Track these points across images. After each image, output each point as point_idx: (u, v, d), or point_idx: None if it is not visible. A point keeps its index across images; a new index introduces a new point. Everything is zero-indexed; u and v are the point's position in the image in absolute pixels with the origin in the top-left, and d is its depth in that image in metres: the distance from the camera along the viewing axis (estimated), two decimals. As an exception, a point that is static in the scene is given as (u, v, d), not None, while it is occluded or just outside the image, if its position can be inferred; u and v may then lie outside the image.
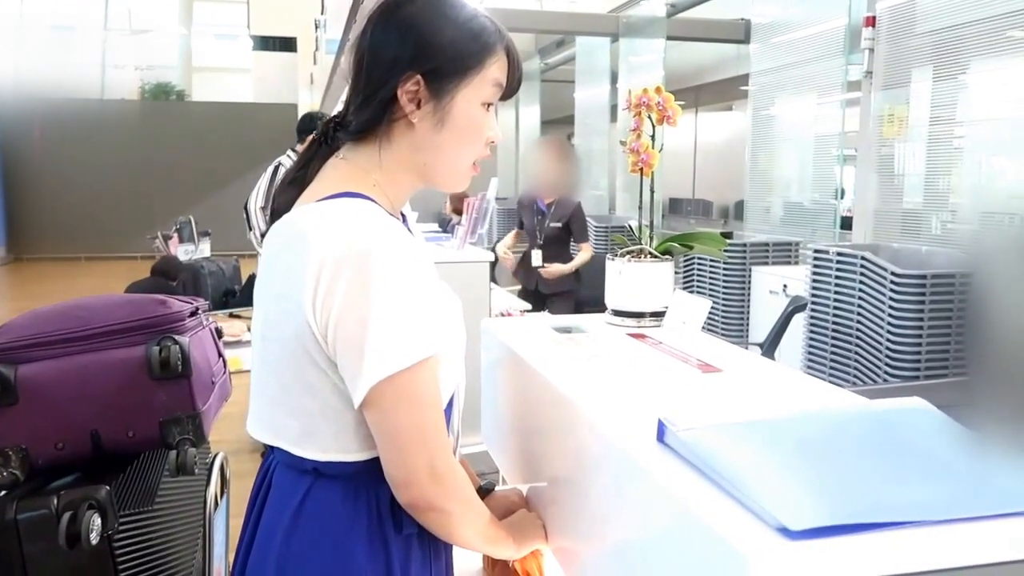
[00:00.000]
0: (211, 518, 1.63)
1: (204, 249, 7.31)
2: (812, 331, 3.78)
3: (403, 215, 1.13)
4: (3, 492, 1.31)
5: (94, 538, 1.26)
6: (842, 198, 5.45)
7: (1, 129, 14.62)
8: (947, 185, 4.22)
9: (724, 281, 4.97)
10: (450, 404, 1.09)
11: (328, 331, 0.94)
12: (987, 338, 0.82)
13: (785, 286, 4.53)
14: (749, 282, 4.91)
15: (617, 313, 1.49)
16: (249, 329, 1.08)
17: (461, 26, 1.04)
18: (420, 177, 1.09)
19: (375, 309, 0.92)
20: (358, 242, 0.94)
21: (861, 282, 3.44)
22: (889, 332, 3.23)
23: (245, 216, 4.36)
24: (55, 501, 1.27)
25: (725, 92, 9.89)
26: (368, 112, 1.04)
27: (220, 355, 1.65)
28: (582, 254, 4.66)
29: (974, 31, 3.85)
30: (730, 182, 9.29)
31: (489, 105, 1.08)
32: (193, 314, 1.55)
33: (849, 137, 5.10)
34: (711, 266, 5.08)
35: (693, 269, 5.26)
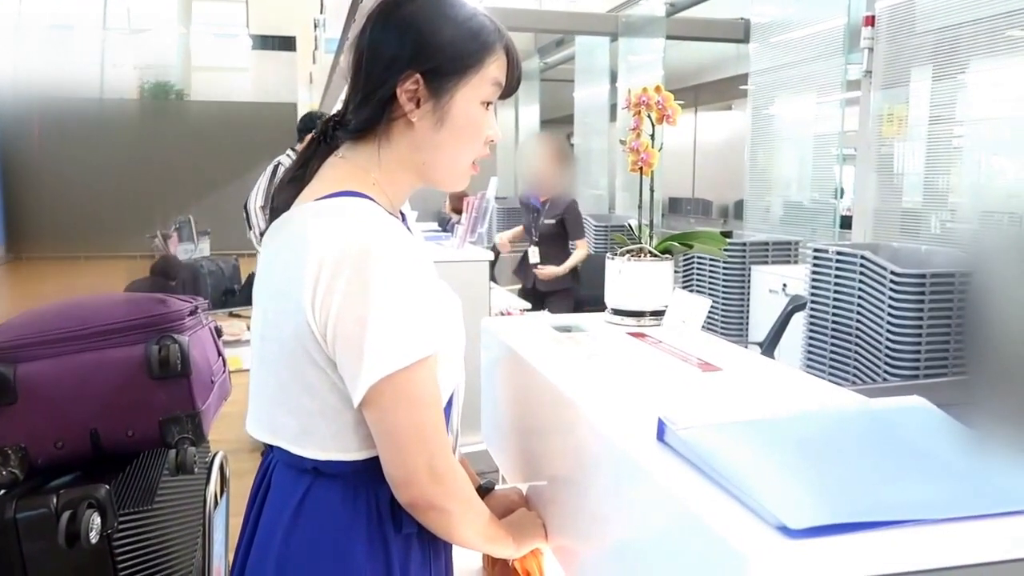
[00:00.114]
0: (211, 517, 1.63)
1: (203, 248, 7.31)
2: (812, 330, 3.78)
3: (402, 214, 1.13)
4: (2, 491, 1.31)
5: (93, 537, 1.26)
6: (841, 197, 5.44)
7: (0, 128, 14.63)
8: (946, 184, 4.22)
9: (724, 280, 4.96)
10: (449, 403, 1.09)
11: (327, 330, 0.94)
12: (986, 337, 0.82)
13: (785, 285, 4.53)
14: (749, 281, 4.91)
15: (617, 312, 1.49)
16: (249, 328, 1.08)
17: (460, 25, 1.04)
18: (419, 176, 1.09)
19: (374, 308, 0.92)
20: (357, 241, 0.94)
21: (861, 281, 3.43)
22: (888, 331, 3.23)
23: (245, 215, 4.36)
24: (54, 500, 1.27)
25: (724, 91, 9.89)
26: (367, 111, 1.04)
27: (220, 354, 1.65)
28: (577, 252, 4.66)
29: (973, 30, 3.85)
30: (730, 181, 9.29)
31: (488, 104, 1.08)
32: (192, 313, 1.55)
33: (848, 136, 5.10)
34: (711, 265, 5.08)
35: (693, 268, 5.26)
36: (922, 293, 3.15)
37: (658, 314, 1.45)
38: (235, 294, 6.43)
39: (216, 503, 1.67)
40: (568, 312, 4.45)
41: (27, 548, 1.26)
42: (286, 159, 4.16)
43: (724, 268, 4.96)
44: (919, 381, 3.12)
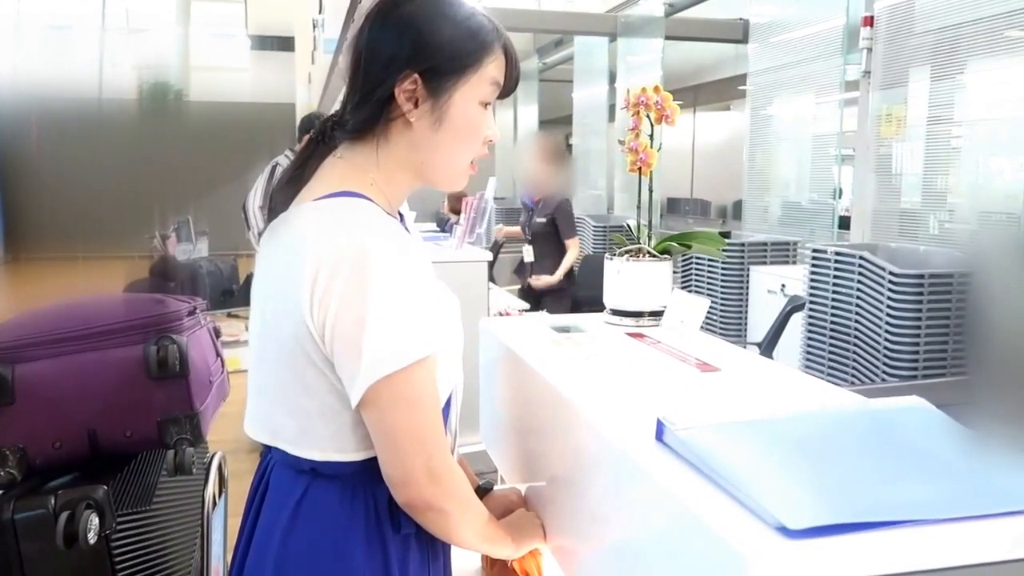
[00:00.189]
0: (209, 518, 1.63)
1: (202, 248, 7.30)
2: (810, 330, 3.78)
3: (401, 214, 1.13)
4: (0, 492, 1.31)
5: (92, 538, 1.26)
6: (840, 198, 5.45)
7: (-2, 129, 14.62)
8: (945, 185, 4.22)
9: (722, 280, 4.97)
10: (448, 404, 1.08)
11: (325, 331, 0.94)
12: (985, 337, 0.82)
13: (783, 286, 4.53)
14: (747, 282, 4.91)
15: (615, 312, 1.49)
16: (247, 328, 1.08)
17: (459, 25, 1.04)
18: (418, 176, 1.09)
19: (372, 309, 0.92)
20: (355, 242, 0.93)
21: (859, 281, 3.44)
22: (887, 331, 3.24)
23: (243, 216, 4.35)
24: (53, 501, 1.27)
25: (723, 92, 9.89)
26: (365, 111, 1.04)
27: (218, 354, 1.65)
28: (569, 253, 4.67)
29: (972, 31, 3.85)
30: (728, 182, 9.29)
31: (487, 104, 1.07)
32: (191, 313, 1.55)
33: (847, 137, 5.11)
34: (709, 265, 5.08)
35: (691, 268, 5.26)
36: (920, 293, 3.15)
37: (657, 314, 1.45)
38: (234, 294, 6.43)
39: (214, 504, 1.67)
40: (564, 312, 4.46)
41: (25, 549, 1.26)
42: (284, 160, 4.15)
43: (723, 268, 4.96)
44: (917, 381, 3.12)
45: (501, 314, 3.53)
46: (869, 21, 4.39)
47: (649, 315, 1.46)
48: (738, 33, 6.84)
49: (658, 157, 1.48)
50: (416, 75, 1.01)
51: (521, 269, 4.89)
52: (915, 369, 3.18)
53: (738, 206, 7.39)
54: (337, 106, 1.10)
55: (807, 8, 5.33)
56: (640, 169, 1.49)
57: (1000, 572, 0.63)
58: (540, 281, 4.61)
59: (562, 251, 4.70)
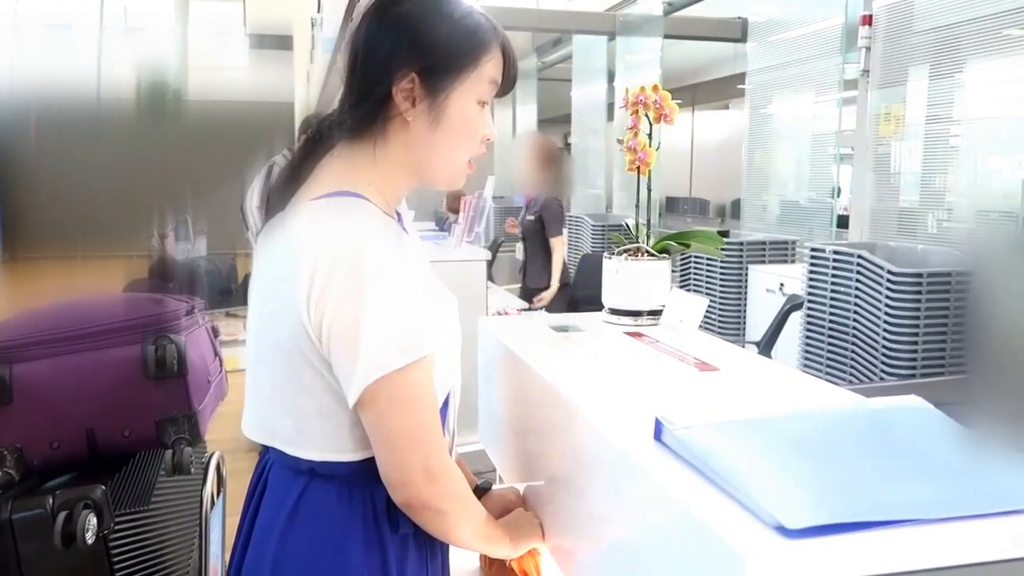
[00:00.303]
0: (207, 517, 1.63)
1: (200, 247, 7.28)
2: (809, 329, 3.78)
3: (399, 214, 1.12)
4: (-2, 492, 1.30)
5: (90, 538, 1.25)
6: (839, 197, 5.45)
7: (-5, 128, 14.61)
8: (943, 184, 4.23)
9: (721, 280, 4.97)
10: (446, 403, 1.08)
11: (322, 331, 0.94)
12: (984, 336, 0.82)
13: (782, 284, 4.53)
14: (746, 281, 4.91)
15: (614, 312, 1.48)
16: (246, 328, 1.08)
17: (456, 23, 1.03)
18: (415, 175, 1.09)
19: (369, 309, 0.92)
20: (352, 242, 0.93)
21: (857, 280, 3.44)
22: (885, 330, 3.24)
23: (242, 216, 4.33)
24: (50, 501, 1.26)
25: (722, 91, 9.89)
26: (363, 110, 1.03)
27: (216, 354, 1.65)
28: (555, 255, 4.67)
29: (971, 30, 3.85)
30: (727, 181, 9.29)
31: (485, 103, 1.07)
32: (189, 313, 1.55)
33: (846, 136, 5.11)
34: (708, 265, 5.08)
35: (690, 268, 5.26)
36: (919, 292, 3.15)
37: (655, 314, 1.45)
38: (232, 293, 6.41)
39: (213, 503, 1.66)
40: (562, 310, 4.49)
41: (23, 549, 1.26)
42: (281, 159, 4.14)
43: (721, 267, 4.96)
44: (916, 380, 3.13)
45: (500, 313, 3.53)
46: (868, 20, 4.39)
47: (648, 314, 1.46)
48: (737, 32, 6.84)
49: (657, 156, 1.48)
50: (413, 74, 1.01)
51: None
52: (913, 368, 3.18)
53: (737, 205, 7.40)
54: (335, 105, 1.10)
55: (806, 7, 5.33)
56: (639, 168, 1.49)
57: (998, 572, 0.63)
58: (542, 300, 4.63)
59: (550, 250, 4.73)
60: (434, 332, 1.00)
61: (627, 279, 1.47)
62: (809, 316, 3.77)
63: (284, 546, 1.00)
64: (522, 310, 3.96)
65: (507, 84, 1.10)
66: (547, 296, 4.63)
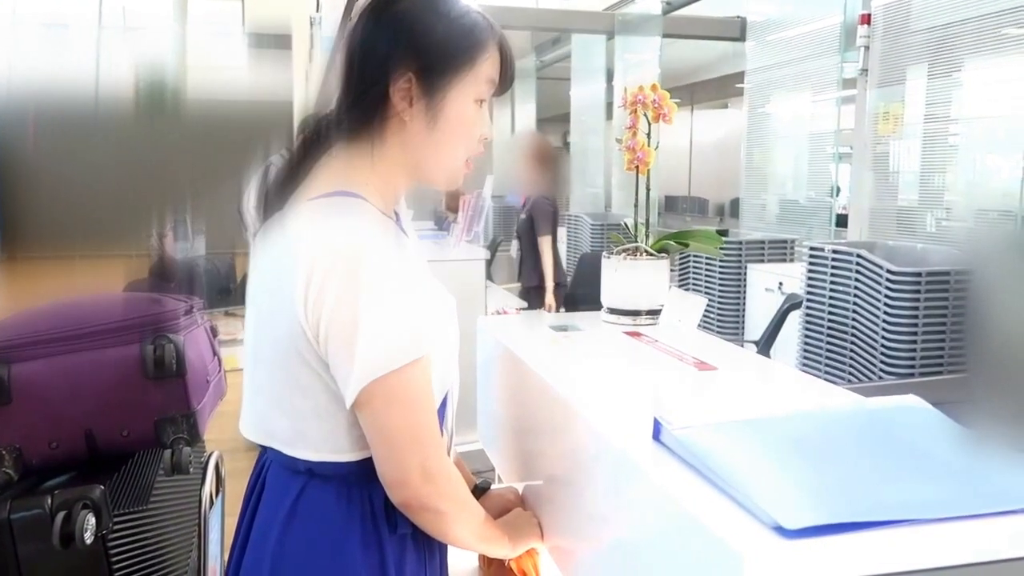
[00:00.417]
0: (206, 517, 1.63)
1: (199, 247, 7.27)
2: (808, 328, 3.78)
3: (397, 214, 1.12)
4: (-3, 492, 1.30)
5: (88, 538, 1.25)
6: (837, 196, 5.45)
7: (-6, 127, 14.60)
8: (942, 182, 4.23)
9: (720, 279, 4.96)
10: (444, 404, 1.08)
11: (319, 331, 0.94)
12: (982, 335, 0.82)
13: (781, 284, 4.53)
14: (745, 280, 4.91)
15: (613, 311, 1.49)
16: (245, 327, 1.07)
17: (453, 23, 1.03)
18: (413, 175, 1.08)
19: (365, 310, 0.92)
20: (349, 242, 0.93)
21: (856, 279, 3.44)
22: (884, 329, 3.24)
23: (240, 217, 4.33)
24: (49, 501, 1.26)
25: (721, 90, 9.90)
26: (360, 110, 1.03)
27: (215, 353, 1.65)
28: (543, 254, 4.65)
29: (969, 29, 3.85)
30: (726, 180, 9.30)
31: (482, 102, 1.07)
32: (188, 313, 1.55)
33: (844, 135, 5.11)
34: (707, 264, 5.08)
35: (689, 267, 5.26)
36: (918, 291, 3.15)
37: (654, 313, 1.45)
38: (231, 293, 6.40)
39: (212, 503, 1.66)
40: (558, 306, 4.51)
41: (22, 549, 1.26)
42: (279, 159, 4.14)
43: (720, 267, 4.96)
44: (915, 379, 3.13)
45: (498, 312, 3.53)
46: (866, 19, 4.39)
47: (646, 314, 1.46)
48: (735, 31, 6.84)
49: (655, 155, 1.48)
50: (410, 74, 1.01)
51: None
52: (912, 367, 3.18)
53: (736, 204, 7.40)
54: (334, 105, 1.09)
55: (804, 6, 5.33)
56: (637, 168, 1.49)
57: (997, 571, 0.63)
58: (550, 307, 4.61)
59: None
60: (432, 332, 1.00)
61: (626, 278, 1.47)
62: (808, 315, 3.77)
63: (282, 546, 1.00)
64: (520, 309, 3.96)
65: (505, 83, 1.09)
66: (549, 299, 4.62)
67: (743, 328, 4.91)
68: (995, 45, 3.77)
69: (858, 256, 3.43)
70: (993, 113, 3.92)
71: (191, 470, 1.48)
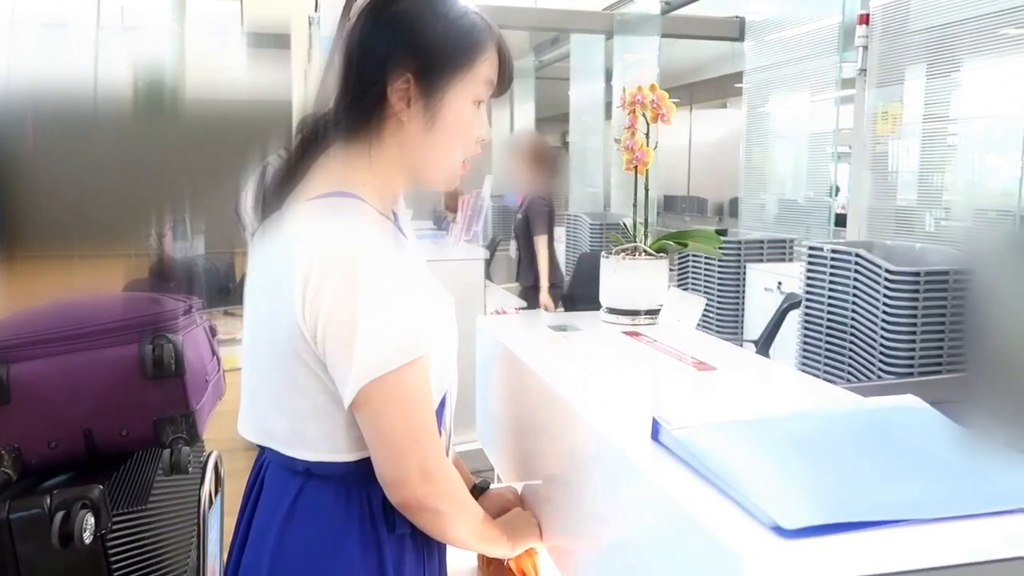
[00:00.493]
0: (205, 517, 1.63)
1: (198, 246, 7.27)
2: (807, 328, 3.79)
3: (395, 214, 1.12)
4: (-4, 492, 1.30)
5: (87, 538, 1.25)
6: (836, 195, 5.45)
7: (-8, 127, 14.59)
8: (941, 182, 4.23)
9: (719, 278, 4.97)
10: (443, 404, 1.08)
11: (317, 332, 0.94)
12: (981, 334, 0.82)
13: (780, 283, 4.53)
14: (744, 279, 4.91)
15: (612, 311, 1.49)
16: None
17: (451, 24, 1.03)
18: (410, 175, 1.08)
19: (363, 310, 0.92)
20: (346, 242, 0.93)
21: (855, 279, 3.44)
22: (883, 329, 3.24)
23: (238, 218, 4.33)
24: (48, 501, 1.26)
25: (720, 89, 9.91)
26: (358, 111, 1.03)
27: (214, 353, 1.65)
28: (539, 254, 4.65)
29: (967, 29, 3.85)
30: (725, 179, 9.31)
31: (480, 103, 1.07)
32: (187, 312, 1.55)
33: (843, 134, 5.11)
34: (706, 264, 5.08)
35: (688, 267, 5.26)
36: (916, 291, 3.16)
37: (653, 313, 1.45)
38: (230, 292, 6.40)
39: (211, 503, 1.66)
40: (556, 303, 4.52)
41: (21, 549, 1.26)
42: (276, 159, 4.14)
43: (719, 266, 4.96)
44: (913, 379, 3.13)
45: (498, 312, 3.53)
46: (865, 19, 4.40)
47: (645, 314, 1.46)
48: (734, 31, 6.85)
49: (654, 156, 1.48)
50: (409, 75, 1.00)
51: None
52: (911, 366, 3.18)
53: (734, 204, 7.40)
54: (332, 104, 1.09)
55: (803, 6, 5.34)
56: (636, 168, 1.49)
57: (995, 571, 0.63)
58: (548, 307, 4.61)
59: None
60: (430, 332, 1.00)
61: (625, 278, 1.47)
62: (807, 315, 3.78)
63: (281, 547, 1.00)
64: (520, 309, 3.96)
65: (503, 84, 1.09)
66: (543, 299, 4.62)
67: (742, 328, 4.92)
68: (993, 45, 3.77)
69: (857, 256, 3.44)
70: (992, 113, 3.93)
71: (190, 470, 1.47)
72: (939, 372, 3.16)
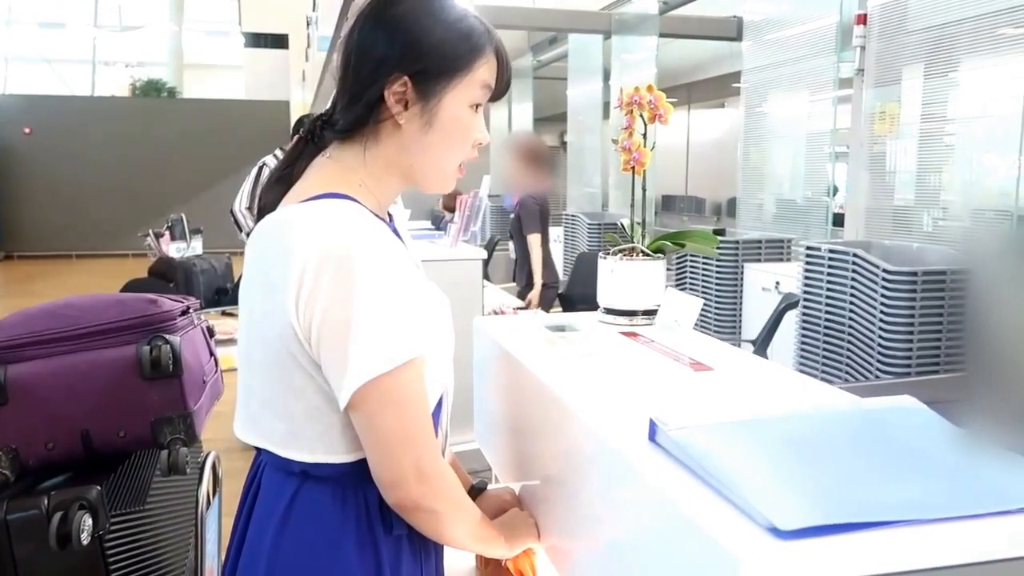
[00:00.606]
0: (203, 517, 1.63)
1: (196, 247, 7.28)
2: (804, 328, 3.79)
3: (390, 215, 1.12)
4: (-7, 493, 1.30)
5: (85, 538, 1.25)
6: (834, 195, 5.46)
7: (-7, 127, 14.56)
8: (938, 182, 4.23)
9: (717, 279, 4.97)
10: (439, 405, 1.08)
11: (311, 333, 0.94)
12: (979, 333, 0.82)
13: (777, 283, 4.54)
14: (742, 279, 4.92)
15: (609, 311, 1.49)
16: (239, 327, 1.07)
17: (450, 27, 1.03)
18: (405, 178, 1.08)
19: (358, 311, 0.92)
20: (341, 244, 0.93)
21: (853, 279, 3.44)
22: (881, 329, 3.24)
23: (232, 219, 4.33)
24: (46, 501, 1.26)
25: (718, 89, 9.90)
26: (355, 112, 1.03)
27: (212, 354, 1.65)
28: (531, 254, 4.64)
29: (965, 28, 3.86)
30: (723, 179, 9.31)
31: (477, 107, 1.07)
32: (184, 313, 1.55)
33: (841, 134, 5.11)
34: (704, 264, 5.08)
35: (686, 267, 5.27)
36: (914, 291, 3.16)
37: (651, 313, 1.45)
38: (228, 292, 6.41)
39: (209, 503, 1.66)
40: (550, 306, 4.52)
41: (18, 550, 1.26)
42: (271, 159, 4.14)
43: (717, 266, 4.96)
44: (911, 378, 3.13)
45: (495, 312, 3.53)
46: (862, 19, 4.40)
47: (643, 314, 1.46)
48: (732, 31, 6.85)
49: (652, 156, 1.48)
50: (406, 77, 1.01)
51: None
52: (909, 366, 3.19)
53: (732, 203, 7.41)
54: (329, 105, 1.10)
55: (801, 6, 5.34)
56: (634, 168, 1.49)
57: (993, 572, 0.64)
58: (531, 303, 4.60)
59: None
60: (424, 334, 1.00)
61: (622, 279, 1.47)
62: (805, 315, 3.78)
63: (278, 548, 1.00)
64: (518, 309, 3.96)
65: (500, 88, 1.09)
66: (532, 296, 4.62)
67: (740, 328, 4.92)
68: (991, 45, 3.78)
69: (855, 256, 3.44)
70: (989, 112, 3.93)
71: (188, 470, 1.48)
72: (937, 372, 3.17)
